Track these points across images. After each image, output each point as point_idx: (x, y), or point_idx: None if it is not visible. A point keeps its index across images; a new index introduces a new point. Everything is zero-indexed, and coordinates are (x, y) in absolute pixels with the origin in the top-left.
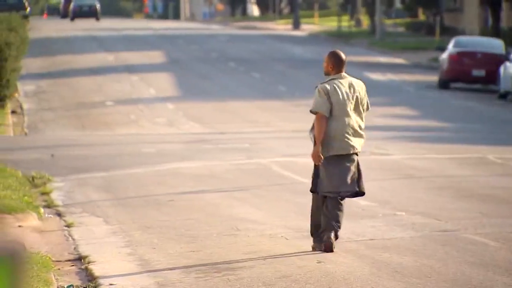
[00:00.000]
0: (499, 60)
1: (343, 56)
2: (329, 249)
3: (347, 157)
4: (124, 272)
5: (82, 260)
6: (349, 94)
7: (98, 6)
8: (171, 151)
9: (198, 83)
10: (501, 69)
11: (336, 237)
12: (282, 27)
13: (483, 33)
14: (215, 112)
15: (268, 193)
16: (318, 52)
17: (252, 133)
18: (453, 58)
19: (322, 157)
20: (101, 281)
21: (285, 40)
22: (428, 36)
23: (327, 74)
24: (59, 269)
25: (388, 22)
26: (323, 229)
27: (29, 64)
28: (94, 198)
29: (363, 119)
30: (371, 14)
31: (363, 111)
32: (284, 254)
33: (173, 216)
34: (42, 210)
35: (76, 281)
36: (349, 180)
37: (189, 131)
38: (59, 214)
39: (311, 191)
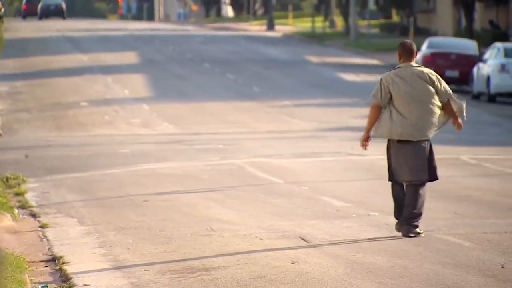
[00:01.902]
0: (473, 61)
1: (410, 45)
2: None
3: (415, 143)
4: (98, 272)
5: (57, 261)
6: (412, 82)
7: (64, 5)
8: (146, 151)
9: (173, 84)
10: (475, 70)
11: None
12: (256, 28)
13: (457, 34)
14: (190, 113)
15: (243, 194)
16: (293, 53)
17: (227, 133)
18: (426, 59)
19: (366, 144)
20: (75, 281)
21: (260, 41)
22: (402, 37)
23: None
24: (33, 269)
25: (362, 23)
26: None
27: (4, 64)
28: (68, 199)
29: (435, 106)
30: (345, 15)
31: (439, 98)
32: (259, 255)
33: (148, 216)
34: (16, 211)
35: (50, 282)
36: (419, 167)
37: (164, 132)
38: (33, 215)
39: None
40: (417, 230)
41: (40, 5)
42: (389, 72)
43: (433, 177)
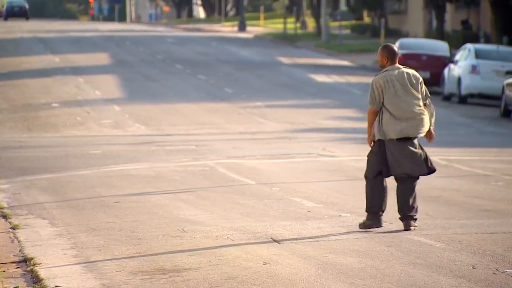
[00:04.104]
0: (444, 62)
1: (394, 48)
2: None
3: (409, 140)
4: (70, 274)
5: (28, 262)
6: (403, 82)
7: (27, 6)
8: (117, 152)
9: (145, 85)
10: (446, 71)
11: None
12: (228, 29)
13: (428, 35)
14: (162, 114)
15: (214, 195)
16: (264, 54)
17: (199, 135)
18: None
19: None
20: (46, 283)
21: (231, 42)
22: (373, 38)
23: (382, 67)
24: (4, 271)
25: (334, 24)
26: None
27: None
28: (40, 200)
29: (421, 105)
30: (316, 16)
31: (422, 98)
32: (230, 256)
33: (119, 217)
34: None
35: (21, 284)
36: (417, 162)
37: (135, 133)
38: (4, 216)
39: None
40: (416, 223)
41: (4, 7)
42: (379, 76)
43: (433, 169)
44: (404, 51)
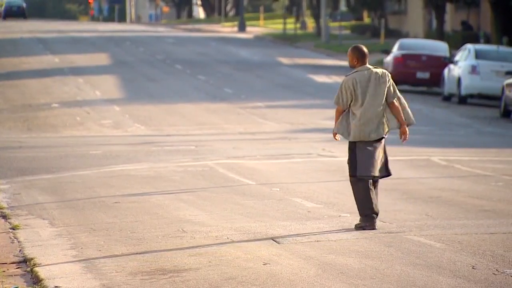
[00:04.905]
0: (443, 62)
1: (364, 49)
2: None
3: (381, 140)
4: (69, 274)
5: (28, 263)
6: (372, 83)
7: (25, 6)
8: (117, 153)
9: (145, 85)
10: (445, 71)
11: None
12: (227, 29)
13: (428, 35)
14: (162, 114)
15: (214, 195)
16: (264, 55)
17: (199, 135)
18: (398, 61)
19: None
20: (46, 283)
21: (231, 42)
22: (373, 39)
23: (352, 67)
24: (4, 271)
25: (334, 24)
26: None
27: None
28: (40, 200)
29: (383, 106)
30: (316, 16)
31: (391, 98)
32: (230, 256)
33: (119, 218)
34: None
35: (21, 284)
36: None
37: (135, 133)
38: (4, 217)
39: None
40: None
41: (3, 6)
42: (349, 76)
43: (390, 173)
44: (404, 52)
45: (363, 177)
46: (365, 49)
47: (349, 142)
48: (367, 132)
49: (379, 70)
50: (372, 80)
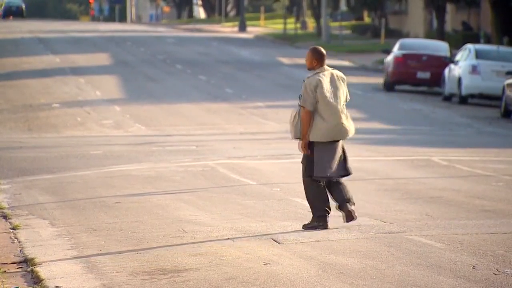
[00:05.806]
0: (444, 62)
1: (322, 50)
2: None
3: (336, 141)
4: (70, 274)
5: (28, 263)
6: (335, 83)
7: (23, 6)
8: (118, 153)
9: (145, 85)
10: (446, 71)
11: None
12: (228, 29)
13: (428, 35)
14: (162, 114)
15: (215, 195)
16: (265, 55)
17: (199, 135)
18: (398, 61)
19: (307, 150)
20: (47, 283)
21: (232, 42)
22: (374, 39)
23: (311, 69)
24: (4, 271)
25: (334, 24)
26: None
27: None
28: (40, 200)
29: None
30: (316, 16)
31: (345, 100)
32: (231, 256)
33: (120, 218)
34: None
35: (22, 284)
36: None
37: (136, 133)
38: (4, 217)
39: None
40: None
41: (2, 6)
42: (311, 78)
43: (350, 172)
44: (405, 52)
45: (319, 178)
46: (323, 51)
47: (308, 142)
48: (336, 132)
49: (336, 71)
50: (334, 81)
